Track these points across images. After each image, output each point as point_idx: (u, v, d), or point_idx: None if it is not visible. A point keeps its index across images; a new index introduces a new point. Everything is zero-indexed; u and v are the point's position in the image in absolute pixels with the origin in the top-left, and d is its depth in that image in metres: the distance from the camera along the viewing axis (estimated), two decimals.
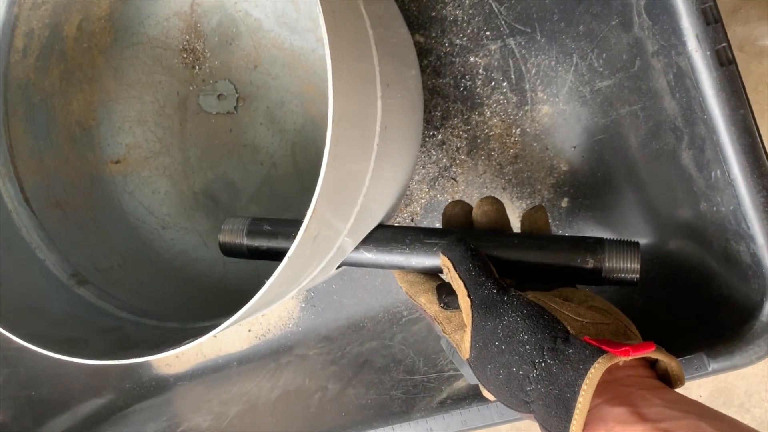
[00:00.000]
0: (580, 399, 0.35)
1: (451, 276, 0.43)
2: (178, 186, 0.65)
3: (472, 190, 0.61)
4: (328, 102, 0.36)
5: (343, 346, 0.64)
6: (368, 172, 0.44)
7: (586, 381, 0.35)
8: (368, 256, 0.50)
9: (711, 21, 0.44)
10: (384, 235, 0.50)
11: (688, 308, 0.50)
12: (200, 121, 0.65)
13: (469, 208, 0.51)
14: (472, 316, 0.41)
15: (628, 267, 0.44)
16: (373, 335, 0.64)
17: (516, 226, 0.51)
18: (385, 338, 0.63)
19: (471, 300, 0.41)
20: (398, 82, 0.47)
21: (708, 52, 0.44)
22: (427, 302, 0.48)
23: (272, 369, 0.68)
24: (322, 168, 0.36)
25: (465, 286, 0.42)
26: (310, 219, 0.37)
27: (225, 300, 0.57)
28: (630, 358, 0.36)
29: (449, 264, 0.43)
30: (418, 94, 0.53)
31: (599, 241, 0.45)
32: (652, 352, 0.37)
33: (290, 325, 0.68)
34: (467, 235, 0.47)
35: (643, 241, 0.55)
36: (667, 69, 0.48)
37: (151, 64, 0.63)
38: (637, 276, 0.44)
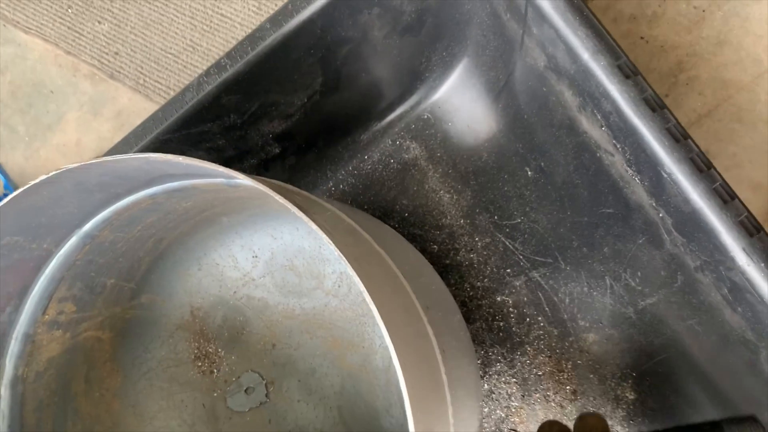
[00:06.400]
0: None
1: None
2: None
3: None
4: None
5: None
6: None
7: None
8: None
9: (754, 232, 0.41)
10: None
11: None
12: (235, 424, 0.59)
13: (566, 428, 0.47)
14: None
15: None
16: None
17: None
18: None
19: None
20: (448, 332, 0.43)
21: (762, 264, 0.41)
22: None
23: None
24: None
25: None
26: None
27: None
28: None
29: None
30: (468, 342, 0.49)
31: (716, 425, 0.44)
32: None
33: None
34: None
35: None
36: (719, 284, 0.45)
37: (168, 386, 0.59)
38: None
